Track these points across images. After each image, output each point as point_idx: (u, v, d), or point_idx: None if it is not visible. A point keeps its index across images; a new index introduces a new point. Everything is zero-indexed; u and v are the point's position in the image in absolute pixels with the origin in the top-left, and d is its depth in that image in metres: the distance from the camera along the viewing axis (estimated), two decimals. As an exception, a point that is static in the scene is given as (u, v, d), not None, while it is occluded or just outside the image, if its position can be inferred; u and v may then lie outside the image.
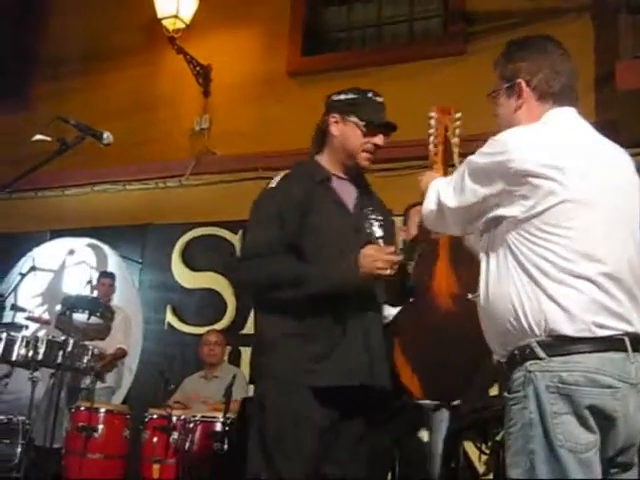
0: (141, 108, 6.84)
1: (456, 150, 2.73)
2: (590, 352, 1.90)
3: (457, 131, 2.76)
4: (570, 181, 1.93)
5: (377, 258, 2.50)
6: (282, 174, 2.73)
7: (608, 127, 5.56)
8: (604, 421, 1.90)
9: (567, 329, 1.90)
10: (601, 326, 1.90)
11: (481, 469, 5.14)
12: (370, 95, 2.77)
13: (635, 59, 4.86)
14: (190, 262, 6.57)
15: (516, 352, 1.97)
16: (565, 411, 1.88)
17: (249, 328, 6.25)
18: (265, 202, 2.67)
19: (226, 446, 4.32)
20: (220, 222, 6.48)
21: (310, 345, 2.53)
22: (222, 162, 6.61)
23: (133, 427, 4.83)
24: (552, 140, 1.99)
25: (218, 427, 4.48)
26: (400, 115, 6.05)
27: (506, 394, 2.00)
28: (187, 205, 6.59)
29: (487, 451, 4.89)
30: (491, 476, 5.00)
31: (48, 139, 2.78)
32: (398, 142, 5.91)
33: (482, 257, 2.11)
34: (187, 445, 4.44)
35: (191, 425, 4.51)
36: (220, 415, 4.50)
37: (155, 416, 4.73)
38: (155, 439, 4.61)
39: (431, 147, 2.68)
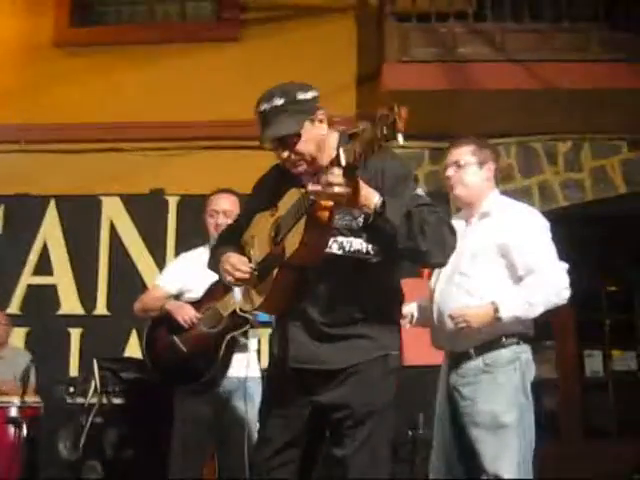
0: None
1: None
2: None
3: None
4: None
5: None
6: None
7: (367, 120, 6.20)
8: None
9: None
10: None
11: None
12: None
13: (401, 63, 5.43)
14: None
15: (503, 339, 2.94)
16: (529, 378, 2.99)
17: (14, 308, 6.03)
18: None
19: (25, 433, 4.25)
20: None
21: None
22: (-19, 134, 6.21)
23: None
24: None
25: (14, 413, 4.37)
26: (175, 94, 6.17)
27: (483, 366, 2.94)
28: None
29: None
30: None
31: None
32: (173, 122, 6.08)
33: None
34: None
35: (-18, 411, 4.34)
36: (15, 399, 4.39)
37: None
38: (-62, 428, 4.35)
39: None
